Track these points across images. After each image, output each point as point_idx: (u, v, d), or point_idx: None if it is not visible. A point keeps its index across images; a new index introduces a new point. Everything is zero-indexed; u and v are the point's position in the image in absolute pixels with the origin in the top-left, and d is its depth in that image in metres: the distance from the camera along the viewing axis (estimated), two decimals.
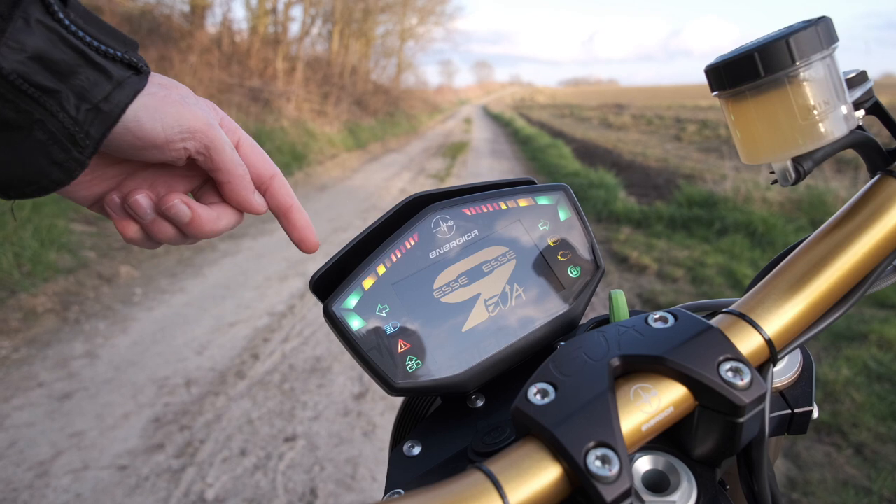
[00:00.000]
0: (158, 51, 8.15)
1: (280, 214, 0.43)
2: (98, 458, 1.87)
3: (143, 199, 0.39)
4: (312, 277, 0.42)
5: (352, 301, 0.39)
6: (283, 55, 11.91)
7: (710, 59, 0.34)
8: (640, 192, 6.29)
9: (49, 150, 0.31)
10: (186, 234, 0.41)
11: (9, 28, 0.28)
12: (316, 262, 3.86)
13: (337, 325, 0.39)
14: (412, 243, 0.42)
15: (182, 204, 0.39)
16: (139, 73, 0.34)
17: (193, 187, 0.43)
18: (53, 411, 2.12)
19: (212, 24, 10.79)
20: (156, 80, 0.36)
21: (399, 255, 0.41)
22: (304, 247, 0.44)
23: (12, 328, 2.74)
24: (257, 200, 0.42)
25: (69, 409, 2.14)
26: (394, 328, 0.40)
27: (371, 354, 0.39)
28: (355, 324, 0.39)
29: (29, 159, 0.31)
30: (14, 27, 0.29)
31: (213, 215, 0.41)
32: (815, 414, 0.40)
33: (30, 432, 2.00)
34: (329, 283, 0.41)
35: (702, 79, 0.36)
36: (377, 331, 0.39)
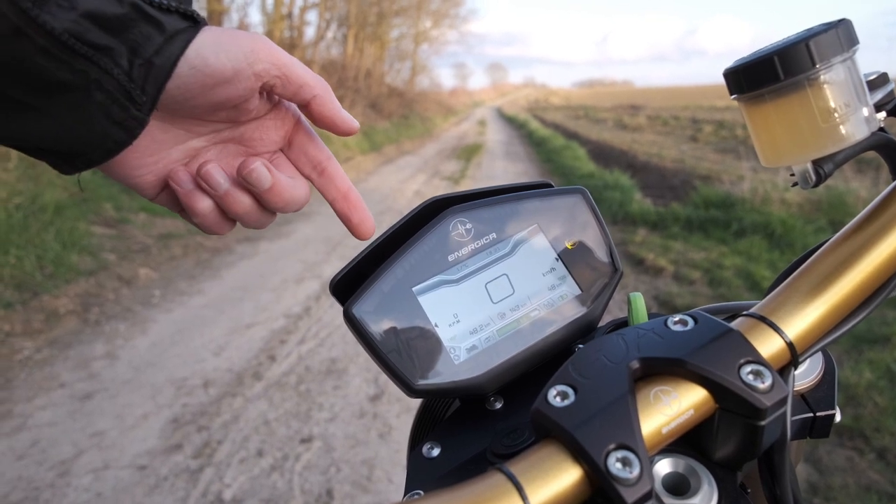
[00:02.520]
0: None
1: (338, 199, 0.43)
2: (118, 458, 1.90)
3: (214, 169, 0.37)
4: (332, 280, 0.42)
5: (371, 304, 0.40)
6: (299, 59, 12.01)
7: (726, 59, 0.34)
8: (656, 194, 6.25)
9: (109, 109, 0.31)
10: (264, 204, 0.40)
11: None
12: (331, 265, 3.88)
13: (357, 327, 0.39)
14: (430, 246, 0.42)
15: (263, 167, 0.37)
16: (195, 24, 0.33)
17: (265, 153, 0.42)
18: (75, 411, 2.16)
19: None
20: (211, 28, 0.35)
21: (417, 259, 0.42)
22: (361, 230, 0.43)
23: (35, 329, 2.79)
24: (348, 116, 0.40)
25: (90, 409, 2.18)
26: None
27: (391, 356, 0.39)
28: (374, 326, 0.39)
29: (91, 121, 0.31)
30: None
31: (290, 182, 0.40)
32: (838, 417, 0.39)
33: (52, 432, 2.03)
34: (348, 286, 0.42)
35: (718, 79, 0.36)
36: (396, 333, 0.40)
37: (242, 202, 0.39)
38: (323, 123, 0.40)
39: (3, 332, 2.71)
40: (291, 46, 12.14)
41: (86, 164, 0.33)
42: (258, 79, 0.35)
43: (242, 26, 10.90)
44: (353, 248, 4.24)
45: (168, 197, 0.40)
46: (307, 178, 0.43)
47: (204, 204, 0.39)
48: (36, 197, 3.71)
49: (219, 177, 0.38)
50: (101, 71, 0.29)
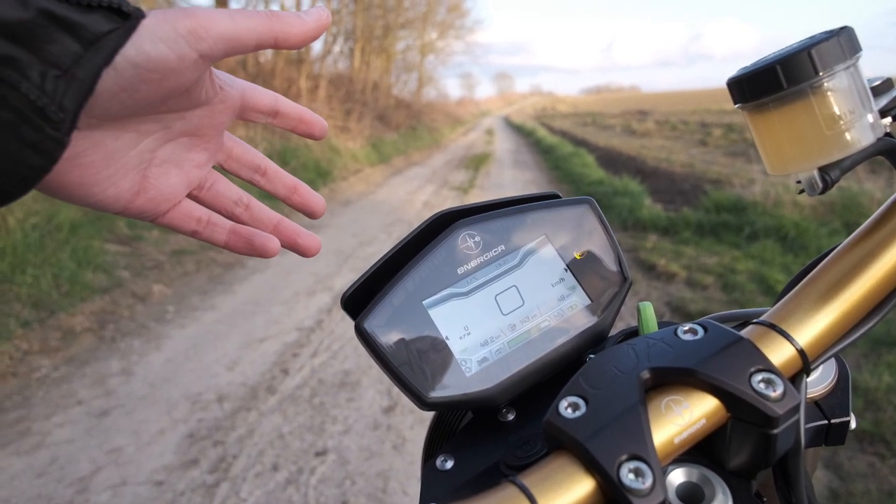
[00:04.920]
0: None
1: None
2: (135, 474, 1.91)
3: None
4: (343, 295, 0.43)
5: (382, 318, 0.40)
6: (307, 74, 12.12)
7: (732, 63, 0.35)
8: (667, 199, 6.22)
9: (19, 130, 0.26)
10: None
11: None
12: (342, 278, 3.90)
13: (368, 341, 0.40)
14: (439, 259, 0.43)
15: (268, 240, 0.41)
16: (124, 19, 0.28)
17: (215, 139, 0.41)
18: (92, 428, 2.18)
19: None
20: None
21: (427, 272, 0.42)
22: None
23: (52, 347, 2.82)
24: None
25: (107, 425, 2.19)
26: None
27: (403, 370, 0.39)
28: (386, 340, 0.40)
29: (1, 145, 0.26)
30: None
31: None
32: (853, 424, 0.39)
33: (70, 449, 2.05)
34: (359, 301, 0.42)
35: (724, 82, 0.36)
36: (407, 346, 0.40)
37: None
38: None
39: (21, 351, 2.74)
40: (299, 61, 12.25)
41: (5, 198, 0.29)
42: (206, 59, 0.31)
43: None
44: (364, 260, 4.25)
45: (139, 209, 0.37)
46: (250, 181, 0.43)
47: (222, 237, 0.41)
48: (52, 216, 3.77)
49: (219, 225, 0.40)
50: (5, 85, 0.25)
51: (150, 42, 0.29)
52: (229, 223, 0.43)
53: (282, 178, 0.43)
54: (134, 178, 0.36)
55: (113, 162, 0.34)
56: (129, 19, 0.28)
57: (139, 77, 0.29)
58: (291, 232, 0.44)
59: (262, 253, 0.43)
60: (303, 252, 0.44)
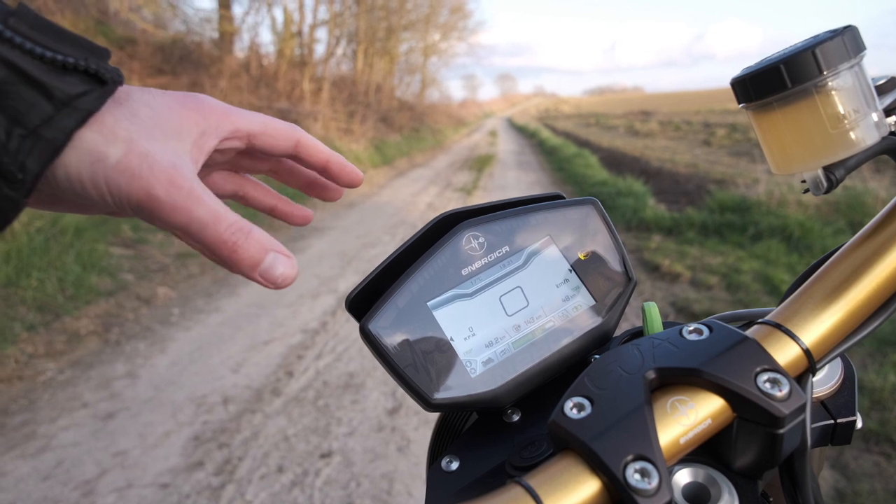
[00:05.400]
0: (190, 77, 8.40)
1: (319, 170, 0.42)
2: (141, 477, 1.92)
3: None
4: (348, 297, 0.43)
5: (387, 319, 0.40)
6: (310, 76, 12.15)
7: (735, 63, 0.35)
8: (670, 199, 6.21)
9: None
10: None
11: None
12: (346, 280, 3.90)
13: (373, 343, 0.40)
14: (444, 261, 0.43)
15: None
16: (102, 85, 0.27)
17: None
18: (97, 431, 2.18)
19: (240, 50, 11.11)
20: (97, 150, 0.28)
21: (431, 273, 0.42)
22: (355, 182, 0.44)
23: (57, 350, 2.83)
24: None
25: (112, 428, 2.20)
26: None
27: (407, 371, 0.39)
28: (391, 342, 0.40)
29: None
30: None
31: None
32: (859, 424, 0.39)
33: (75, 452, 2.06)
34: (364, 303, 0.42)
35: (728, 83, 0.36)
36: (412, 348, 0.40)
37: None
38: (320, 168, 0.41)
39: (26, 354, 2.75)
40: (302, 64, 12.28)
41: None
42: (145, 220, 0.30)
43: (253, 46, 11.06)
44: (368, 263, 4.25)
45: (130, 216, 0.37)
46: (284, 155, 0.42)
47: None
48: (56, 220, 3.78)
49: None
50: None
51: (96, 189, 0.28)
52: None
53: (316, 154, 0.41)
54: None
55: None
56: (107, 84, 0.27)
57: (73, 198, 0.29)
58: (343, 170, 0.43)
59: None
60: (340, 180, 0.44)
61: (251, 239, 0.31)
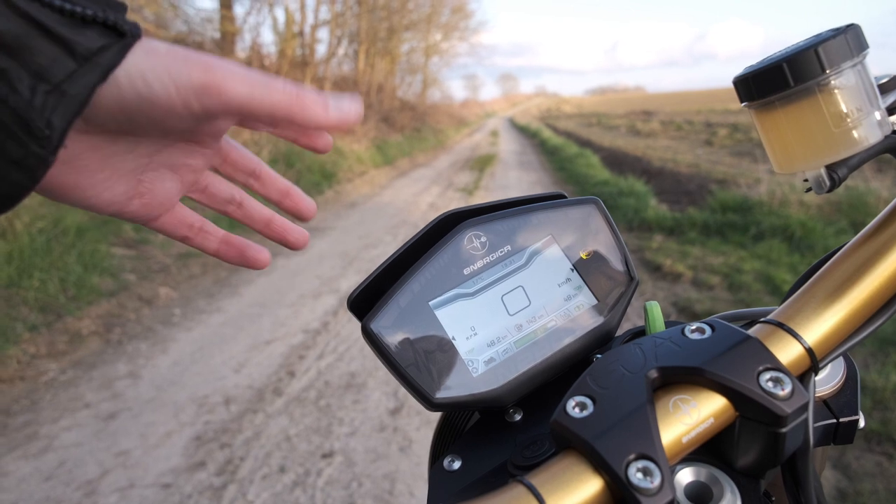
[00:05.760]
0: None
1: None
2: (143, 477, 1.92)
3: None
4: (350, 297, 0.43)
5: (389, 319, 0.40)
6: (311, 76, 12.16)
7: (737, 62, 0.35)
8: (672, 199, 6.20)
9: (3, 145, 0.25)
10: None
11: None
12: (347, 280, 3.90)
13: (375, 342, 0.40)
14: (446, 260, 0.43)
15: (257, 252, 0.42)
16: (121, 37, 0.27)
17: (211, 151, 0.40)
18: (99, 431, 2.19)
19: (242, 50, 11.10)
20: (148, 44, 0.29)
21: (433, 273, 0.42)
22: (307, 217, 0.44)
23: (59, 351, 2.84)
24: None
25: (114, 428, 2.20)
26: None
27: (409, 371, 0.39)
28: (393, 341, 0.40)
29: None
30: None
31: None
32: (862, 423, 0.39)
33: (77, 452, 2.06)
34: (366, 302, 0.42)
35: (730, 82, 0.36)
36: (414, 347, 0.40)
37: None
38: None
39: (28, 355, 2.75)
40: (304, 64, 12.30)
41: None
42: (208, 116, 0.31)
43: (255, 46, 11.06)
44: (369, 263, 4.26)
45: (132, 213, 0.37)
46: (244, 185, 0.43)
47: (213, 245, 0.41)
48: (58, 220, 3.79)
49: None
50: None
51: (159, 82, 0.28)
52: (222, 232, 0.43)
53: (275, 183, 0.43)
54: (129, 182, 0.35)
55: (109, 166, 0.33)
56: (126, 37, 0.27)
57: (139, 108, 0.28)
58: (281, 230, 0.44)
59: (252, 264, 0.43)
60: (291, 246, 0.45)
61: (306, 89, 0.32)
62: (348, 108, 0.33)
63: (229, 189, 0.43)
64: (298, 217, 0.45)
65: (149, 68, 0.28)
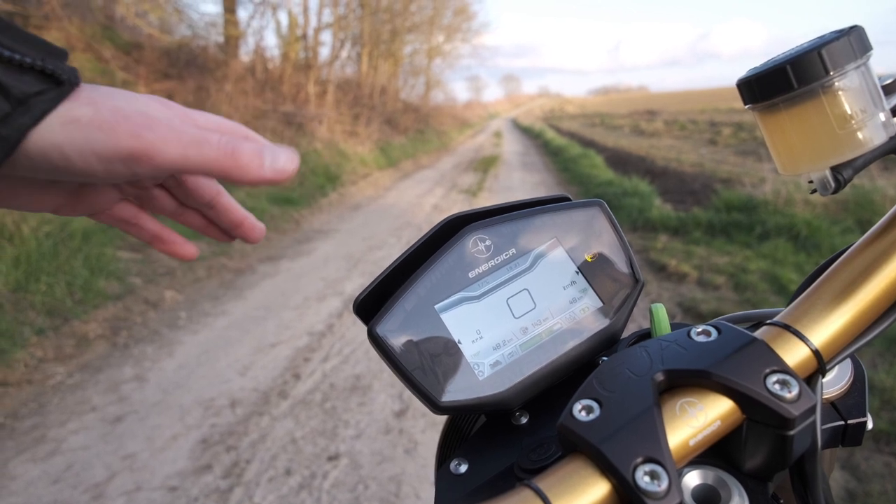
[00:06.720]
0: (196, 81, 8.43)
1: (230, 229, 0.43)
2: (150, 480, 1.93)
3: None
4: (356, 300, 0.43)
5: (394, 322, 0.40)
6: (315, 79, 12.18)
7: (740, 62, 0.35)
8: (677, 199, 6.19)
9: None
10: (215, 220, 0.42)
11: None
12: (352, 282, 3.91)
13: (381, 346, 0.40)
14: (451, 263, 0.43)
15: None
16: (59, 86, 0.28)
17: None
18: (106, 434, 2.19)
19: (245, 54, 11.13)
20: (85, 94, 0.29)
21: (439, 276, 0.42)
22: (253, 242, 0.44)
23: (66, 354, 2.85)
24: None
25: (121, 431, 2.21)
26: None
27: (415, 374, 0.39)
28: (398, 345, 0.40)
29: None
30: None
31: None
32: (870, 424, 0.39)
33: (85, 455, 2.07)
34: (372, 306, 0.42)
35: (733, 82, 0.36)
36: (420, 351, 0.40)
37: (194, 220, 0.42)
38: (229, 221, 0.42)
39: (35, 358, 2.77)
40: (307, 67, 12.32)
41: None
42: (139, 177, 0.30)
43: (259, 50, 11.09)
44: (374, 265, 4.26)
45: (68, 213, 0.38)
46: (196, 210, 0.43)
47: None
48: (65, 225, 3.81)
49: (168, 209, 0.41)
50: None
51: (78, 154, 0.28)
52: (157, 227, 0.43)
53: (229, 213, 0.43)
54: (63, 197, 0.36)
55: (39, 190, 0.34)
56: (63, 85, 0.27)
57: (58, 175, 0.29)
58: (252, 231, 0.44)
59: (178, 257, 0.44)
60: (247, 240, 0.45)
61: (246, 142, 0.32)
62: (284, 161, 0.33)
63: (205, 194, 0.43)
64: (245, 241, 0.45)
65: (66, 141, 0.27)
